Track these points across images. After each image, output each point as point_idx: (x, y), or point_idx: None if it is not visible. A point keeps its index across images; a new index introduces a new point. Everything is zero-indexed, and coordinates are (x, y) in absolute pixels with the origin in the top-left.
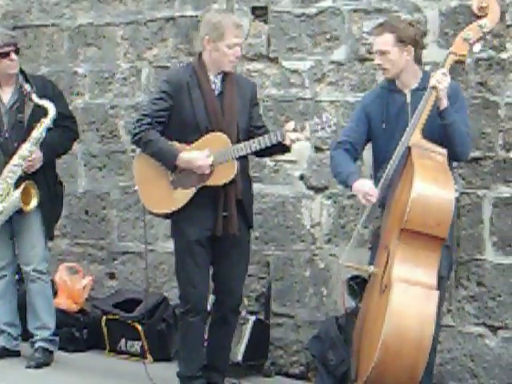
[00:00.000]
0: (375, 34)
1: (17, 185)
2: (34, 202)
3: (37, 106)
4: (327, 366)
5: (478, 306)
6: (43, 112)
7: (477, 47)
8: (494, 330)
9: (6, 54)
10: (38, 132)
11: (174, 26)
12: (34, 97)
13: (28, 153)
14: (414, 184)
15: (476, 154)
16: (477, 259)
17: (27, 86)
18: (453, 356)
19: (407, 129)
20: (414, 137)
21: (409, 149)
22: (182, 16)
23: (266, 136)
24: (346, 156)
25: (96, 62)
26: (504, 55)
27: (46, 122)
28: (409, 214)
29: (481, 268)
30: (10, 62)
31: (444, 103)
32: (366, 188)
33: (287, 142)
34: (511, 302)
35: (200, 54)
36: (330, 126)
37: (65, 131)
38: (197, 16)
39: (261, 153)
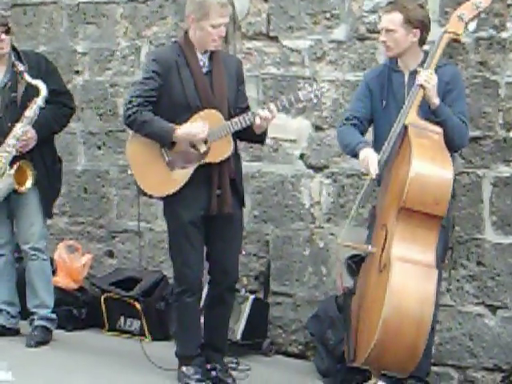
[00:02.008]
0: (384, 11)
1: (12, 165)
2: (29, 182)
3: (30, 84)
4: (326, 345)
5: (477, 285)
6: (36, 90)
7: (472, 26)
8: (493, 309)
9: None
10: (31, 111)
11: (174, 4)
12: (27, 76)
13: (22, 132)
14: (412, 163)
15: (476, 133)
16: (476, 239)
17: (20, 65)
18: (452, 335)
19: (403, 108)
20: (409, 116)
21: (405, 128)
22: None
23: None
24: (353, 129)
25: (95, 40)
26: (504, 34)
27: (38, 101)
28: (407, 193)
29: (480, 248)
30: (0, 42)
31: (435, 102)
32: (366, 161)
33: (256, 122)
34: (510, 282)
35: (186, 32)
36: (322, 93)
37: (60, 107)
38: None
39: (244, 136)
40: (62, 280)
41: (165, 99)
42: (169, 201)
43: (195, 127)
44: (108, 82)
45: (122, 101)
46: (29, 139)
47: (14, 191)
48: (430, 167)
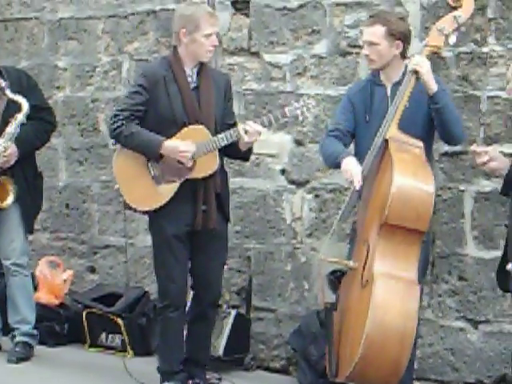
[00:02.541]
0: (366, 24)
1: None
2: (10, 199)
3: (11, 100)
4: (309, 360)
5: (459, 300)
6: (18, 106)
7: (452, 39)
8: (475, 324)
9: None
10: (13, 127)
11: (155, 19)
12: (8, 92)
13: (3, 148)
14: (393, 178)
15: (457, 147)
16: (458, 253)
17: (1, 81)
18: (434, 350)
19: (383, 121)
20: (390, 129)
21: (386, 142)
22: (163, 9)
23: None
24: (336, 141)
25: (77, 56)
26: (485, 49)
27: (20, 117)
28: (389, 208)
29: (462, 262)
30: None
31: (432, 87)
32: (349, 173)
33: (241, 133)
34: (492, 297)
35: (175, 48)
36: (308, 109)
37: (41, 123)
38: None
39: (229, 152)
40: (44, 296)
41: (151, 114)
42: (154, 215)
43: (183, 144)
44: (89, 98)
45: (103, 116)
46: (10, 155)
47: None
48: (411, 182)
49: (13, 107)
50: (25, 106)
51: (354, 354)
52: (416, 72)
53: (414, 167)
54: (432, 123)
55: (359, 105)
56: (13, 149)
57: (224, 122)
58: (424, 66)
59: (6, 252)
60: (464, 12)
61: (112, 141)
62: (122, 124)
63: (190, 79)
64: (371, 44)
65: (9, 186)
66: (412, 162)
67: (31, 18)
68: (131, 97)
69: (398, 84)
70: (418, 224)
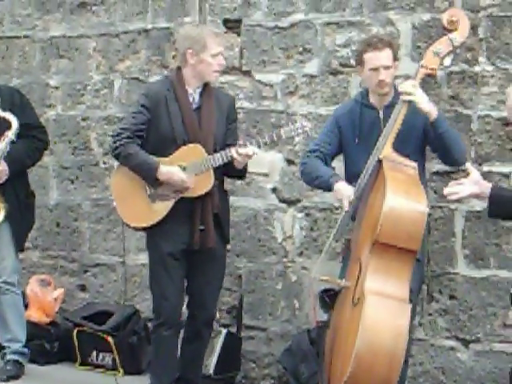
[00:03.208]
0: (375, 48)
1: None
2: (0, 216)
3: (1, 118)
4: (299, 379)
5: (449, 319)
6: (8, 124)
7: (447, 61)
8: (465, 343)
9: None
10: (2, 145)
11: (147, 37)
12: None
13: None
14: (386, 197)
15: (448, 167)
16: (449, 272)
17: None
18: (425, 369)
19: (378, 142)
20: (385, 150)
21: (380, 162)
22: (154, 28)
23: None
24: (320, 162)
25: (68, 74)
26: (476, 68)
27: (9, 135)
28: (381, 227)
29: (453, 281)
30: None
31: (433, 114)
32: (341, 194)
33: (234, 155)
34: (483, 316)
35: (179, 68)
36: (305, 132)
37: (32, 142)
38: (169, 28)
39: (225, 171)
40: (35, 314)
41: (152, 133)
42: (151, 232)
43: (177, 176)
44: (81, 116)
45: (94, 135)
46: (0, 173)
47: None
48: (403, 201)
49: (3, 125)
50: (14, 123)
51: (343, 372)
52: (410, 102)
53: (407, 186)
54: (424, 144)
55: (347, 127)
56: (3, 166)
57: (226, 142)
58: (416, 95)
59: None
60: (460, 35)
61: (104, 159)
62: (123, 144)
63: (192, 99)
64: (387, 68)
65: None
66: (405, 181)
67: (23, 36)
68: (133, 116)
69: (390, 107)
70: (410, 243)
